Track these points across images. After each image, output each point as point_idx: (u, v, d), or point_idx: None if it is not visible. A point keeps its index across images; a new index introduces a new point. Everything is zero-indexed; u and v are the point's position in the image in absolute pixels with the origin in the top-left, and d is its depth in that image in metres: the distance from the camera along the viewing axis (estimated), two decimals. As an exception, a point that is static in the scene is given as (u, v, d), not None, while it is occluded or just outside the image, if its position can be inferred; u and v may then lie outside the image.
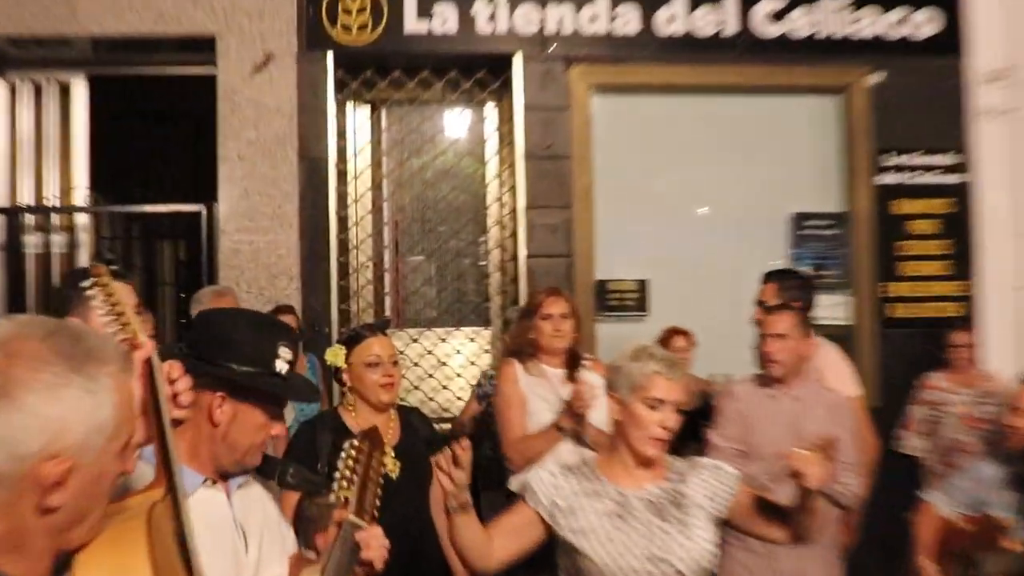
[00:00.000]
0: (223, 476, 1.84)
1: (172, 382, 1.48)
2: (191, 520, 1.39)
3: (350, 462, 1.78)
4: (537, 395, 3.34)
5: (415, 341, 5.61)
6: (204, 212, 5.34)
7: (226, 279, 5.16)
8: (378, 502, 1.80)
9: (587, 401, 3.08)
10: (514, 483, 3.31)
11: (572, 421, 3.14)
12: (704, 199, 5.69)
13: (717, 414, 3.53)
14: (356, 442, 1.80)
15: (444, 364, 5.64)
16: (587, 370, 3.33)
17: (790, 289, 3.85)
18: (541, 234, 5.38)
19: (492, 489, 4.32)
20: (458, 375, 5.55)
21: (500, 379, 3.44)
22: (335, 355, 2.80)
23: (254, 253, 5.15)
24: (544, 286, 3.95)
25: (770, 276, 3.96)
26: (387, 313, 5.63)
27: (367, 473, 1.79)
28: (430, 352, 5.62)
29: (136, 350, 1.37)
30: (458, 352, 5.65)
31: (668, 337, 4.71)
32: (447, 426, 5.29)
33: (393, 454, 2.72)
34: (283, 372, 1.77)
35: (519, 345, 3.43)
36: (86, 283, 1.35)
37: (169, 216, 5.60)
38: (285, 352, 1.78)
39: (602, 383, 2.55)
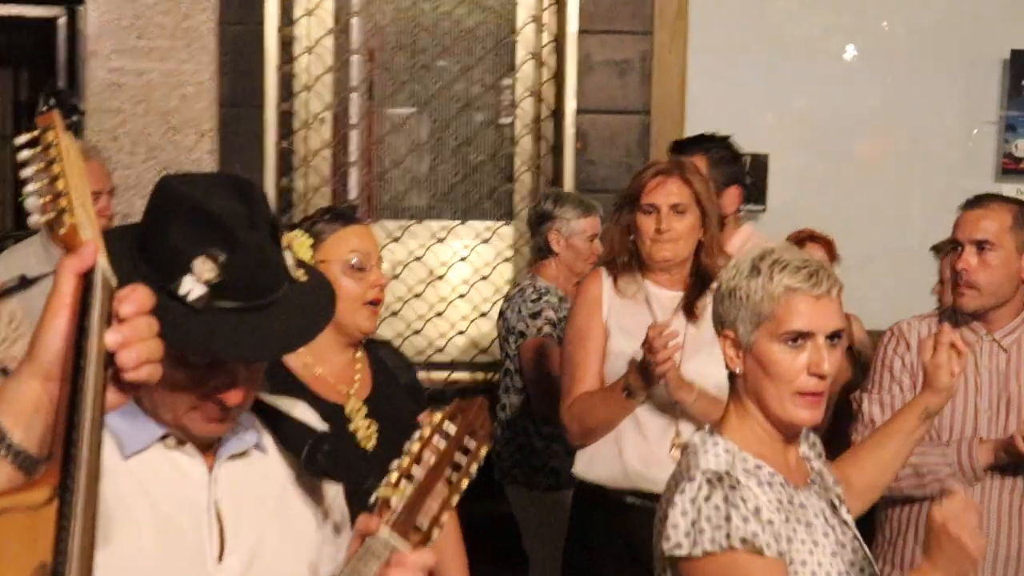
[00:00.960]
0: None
1: (122, 321, 1.35)
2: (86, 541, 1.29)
3: (417, 447, 1.72)
4: (626, 330, 3.35)
5: (396, 240, 5.53)
6: (62, 21, 5.18)
7: (97, 132, 5.12)
8: (444, 517, 1.73)
9: (665, 351, 3.09)
10: (579, 466, 3.38)
11: (641, 382, 3.20)
12: (859, 28, 5.60)
13: (876, 369, 3.54)
14: (439, 416, 1.75)
15: (440, 278, 5.59)
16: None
17: None
18: (602, 76, 5.37)
19: (534, 486, 4.64)
20: (461, 296, 5.49)
21: (577, 298, 3.51)
22: (300, 244, 2.71)
23: (143, 91, 5.14)
24: (652, 160, 3.90)
25: None
26: (352, 196, 5.58)
27: (439, 469, 1.72)
28: (419, 259, 5.57)
29: (73, 252, 1.33)
30: (463, 260, 5.59)
31: (796, 244, 4.48)
32: (440, 375, 5.26)
33: (364, 411, 2.76)
34: (192, 299, 1.65)
35: (613, 251, 3.48)
36: (22, 139, 1.35)
37: (2, 27, 5.59)
38: (203, 267, 1.66)
39: None
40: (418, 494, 1.70)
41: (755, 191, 5.38)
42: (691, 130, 5.29)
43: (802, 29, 5.60)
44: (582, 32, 5.29)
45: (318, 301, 1.81)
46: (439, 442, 1.73)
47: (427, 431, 1.72)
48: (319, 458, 1.84)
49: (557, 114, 5.39)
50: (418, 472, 1.71)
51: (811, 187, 5.38)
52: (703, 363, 3.21)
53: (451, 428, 1.74)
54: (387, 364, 2.95)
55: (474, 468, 1.75)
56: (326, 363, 2.80)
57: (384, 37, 5.55)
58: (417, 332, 5.49)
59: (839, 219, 5.00)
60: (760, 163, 5.45)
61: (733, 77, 5.47)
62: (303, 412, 1.99)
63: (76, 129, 1.40)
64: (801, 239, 4.61)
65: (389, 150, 5.60)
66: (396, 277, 5.45)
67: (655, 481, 2.89)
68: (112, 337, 1.32)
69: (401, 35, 5.56)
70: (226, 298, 1.66)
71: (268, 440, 1.88)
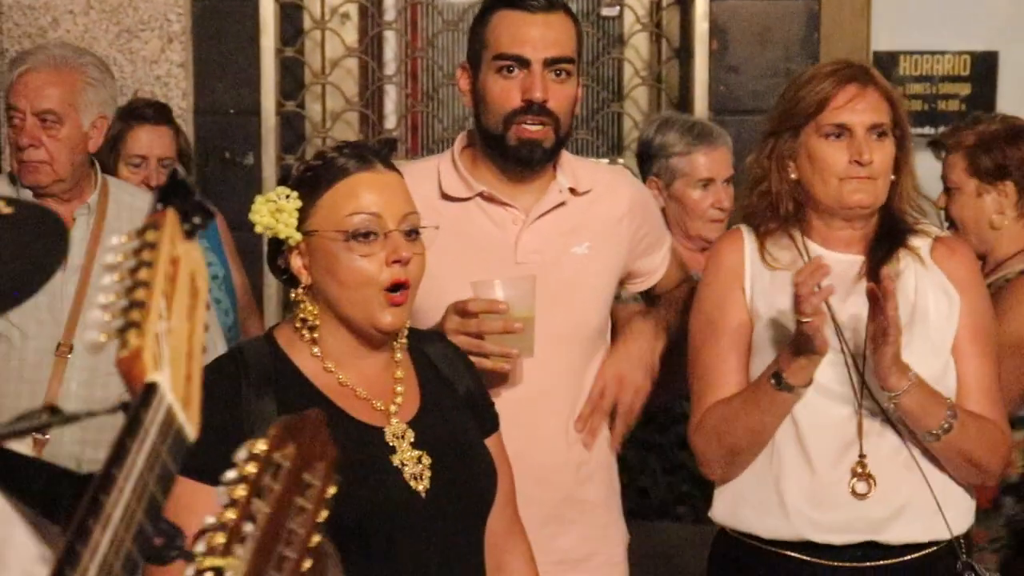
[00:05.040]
0: None
1: None
2: None
3: (243, 493, 1.60)
4: (784, 313, 3.25)
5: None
6: None
7: (16, 35, 5.10)
8: None
9: (815, 296, 3.02)
10: (720, 509, 3.32)
11: (795, 359, 3.08)
12: None
13: None
14: (262, 445, 1.66)
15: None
16: (914, 259, 3.26)
17: None
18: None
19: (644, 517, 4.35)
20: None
21: (707, 271, 3.44)
22: (275, 213, 2.79)
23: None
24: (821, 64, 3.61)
25: None
26: (389, 125, 5.50)
27: (279, 523, 1.62)
28: (486, 216, 5.31)
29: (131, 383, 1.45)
30: (549, 215, 5.28)
31: None
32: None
33: (412, 438, 2.75)
34: None
35: (768, 198, 3.37)
36: (115, 240, 1.50)
37: None
38: None
39: (944, 287, 3.12)
40: (258, 559, 1.61)
41: (978, 108, 5.14)
42: (881, 21, 5.28)
43: None
44: None
45: (37, 238, 1.90)
46: (270, 483, 1.67)
47: (250, 468, 1.66)
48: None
49: (683, 1, 5.22)
50: (251, 530, 1.63)
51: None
52: (902, 349, 3.04)
53: (283, 460, 1.70)
54: (438, 367, 2.91)
55: (323, 516, 1.70)
56: (350, 369, 2.76)
57: None
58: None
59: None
60: (987, 64, 5.37)
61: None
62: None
63: (192, 233, 1.48)
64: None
65: (442, 58, 5.49)
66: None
67: (832, 529, 2.99)
68: None
69: None
70: None
71: None
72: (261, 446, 1.67)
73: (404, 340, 2.88)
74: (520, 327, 3.03)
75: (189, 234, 1.45)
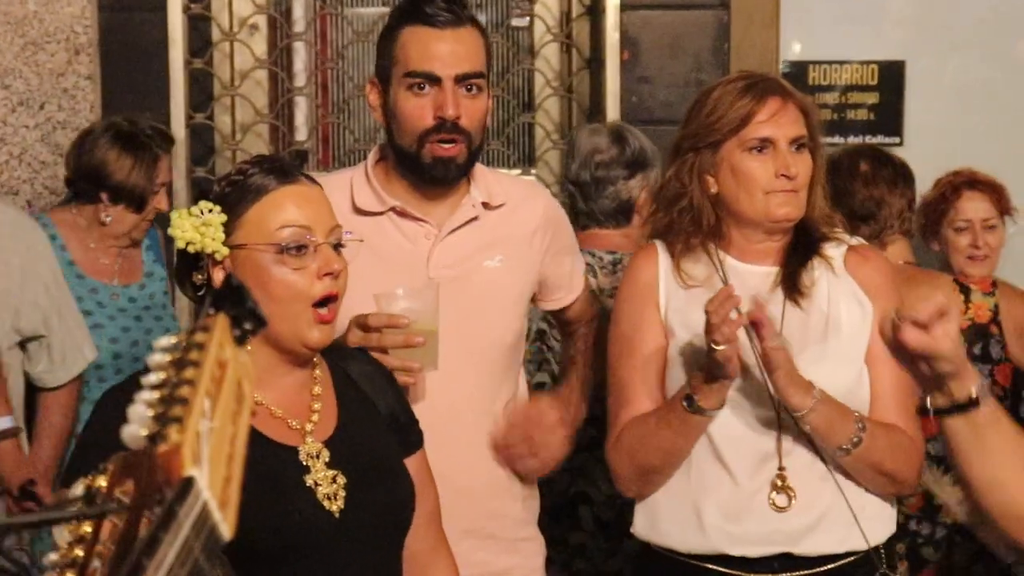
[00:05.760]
0: None
1: None
2: None
3: (89, 527, 1.60)
4: (693, 327, 3.23)
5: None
6: None
7: None
8: None
9: (727, 325, 2.98)
10: (640, 523, 3.30)
11: (706, 382, 3.07)
12: None
13: None
14: (103, 480, 1.63)
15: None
16: (827, 268, 3.29)
17: None
18: (658, -45, 5.21)
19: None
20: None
21: (622, 289, 3.43)
22: (200, 227, 2.76)
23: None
24: (733, 75, 3.56)
25: None
26: (300, 137, 5.47)
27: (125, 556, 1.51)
28: (397, 227, 5.26)
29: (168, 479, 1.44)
30: (463, 226, 5.26)
31: (951, 192, 4.69)
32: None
33: (327, 457, 2.73)
34: None
35: (691, 213, 3.35)
36: (163, 342, 1.50)
37: None
38: None
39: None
40: None
41: (886, 117, 5.33)
42: (790, 32, 5.32)
43: None
44: None
45: None
46: (114, 520, 1.62)
47: (84, 527, 1.64)
48: None
49: (594, 11, 5.21)
50: (99, 567, 1.59)
51: (970, 109, 5.33)
52: (816, 361, 3.06)
53: (123, 497, 1.63)
54: (359, 385, 2.88)
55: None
56: (267, 387, 2.71)
57: None
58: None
59: (1011, 156, 5.00)
60: (894, 73, 5.37)
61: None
62: None
63: (243, 339, 1.54)
64: (958, 184, 4.66)
65: (353, 70, 5.49)
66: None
67: (748, 542, 3.00)
68: None
69: None
70: None
71: None
72: (101, 482, 1.69)
73: (320, 355, 2.87)
74: (422, 341, 3.01)
75: (239, 340, 1.50)
